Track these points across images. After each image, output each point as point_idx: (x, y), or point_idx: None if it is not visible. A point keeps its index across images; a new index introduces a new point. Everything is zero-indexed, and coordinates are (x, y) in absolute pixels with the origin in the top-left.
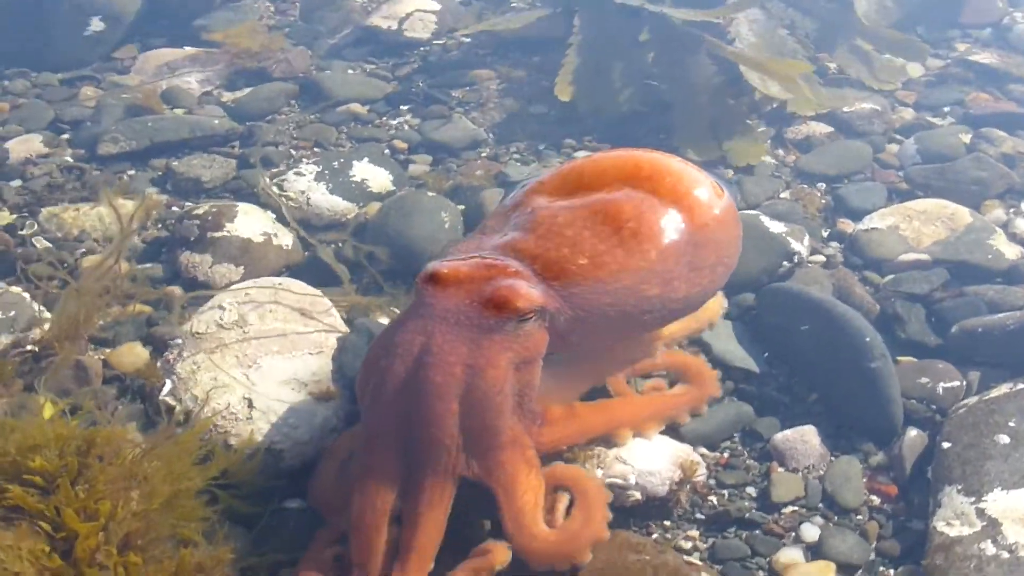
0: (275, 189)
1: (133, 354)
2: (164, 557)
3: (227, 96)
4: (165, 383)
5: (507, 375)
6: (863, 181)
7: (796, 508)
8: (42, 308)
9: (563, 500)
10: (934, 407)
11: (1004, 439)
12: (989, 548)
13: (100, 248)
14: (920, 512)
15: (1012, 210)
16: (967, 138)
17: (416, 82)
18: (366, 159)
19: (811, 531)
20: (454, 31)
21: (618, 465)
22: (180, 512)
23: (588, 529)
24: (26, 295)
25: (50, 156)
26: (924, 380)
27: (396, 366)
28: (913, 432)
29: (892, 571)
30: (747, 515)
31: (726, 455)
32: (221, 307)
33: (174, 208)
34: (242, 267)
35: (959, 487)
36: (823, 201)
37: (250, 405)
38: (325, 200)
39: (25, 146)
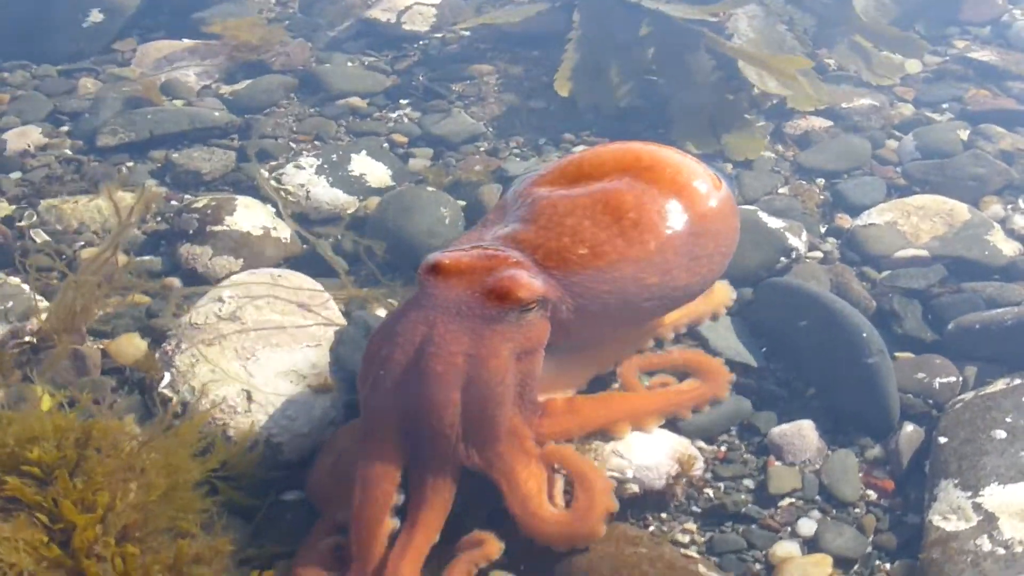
0: (274, 183)
1: (132, 345)
2: (162, 548)
3: (226, 89)
4: (164, 375)
5: (509, 365)
6: (862, 177)
7: (793, 501)
8: (40, 298)
9: (558, 483)
10: (931, 402)
11: (1001, 434)
12: (985, 543)
13: (99, 240)
14: (916, 506)
15: (1010, 206)
16: (966, 134)
17: (415, 76)
18: (365, 152)
19: (808, 525)
20: (453, 25)
21: (615, 459)
22: (178, 504)
23: (596, 504)
24: (25, 286)
25: (49, 148)
26: (921, 375)
27: (398, 356)
28: (910, 427)
29: (888, 565)
30: (744, 509)
31: (723, 449)
32: (220, 299)
33: (173, 202)
34: (241, 259)
35: (955, 482)
36: (821, 196)
37: (249, 398)
38: (325, 193)
39: (24, 138)
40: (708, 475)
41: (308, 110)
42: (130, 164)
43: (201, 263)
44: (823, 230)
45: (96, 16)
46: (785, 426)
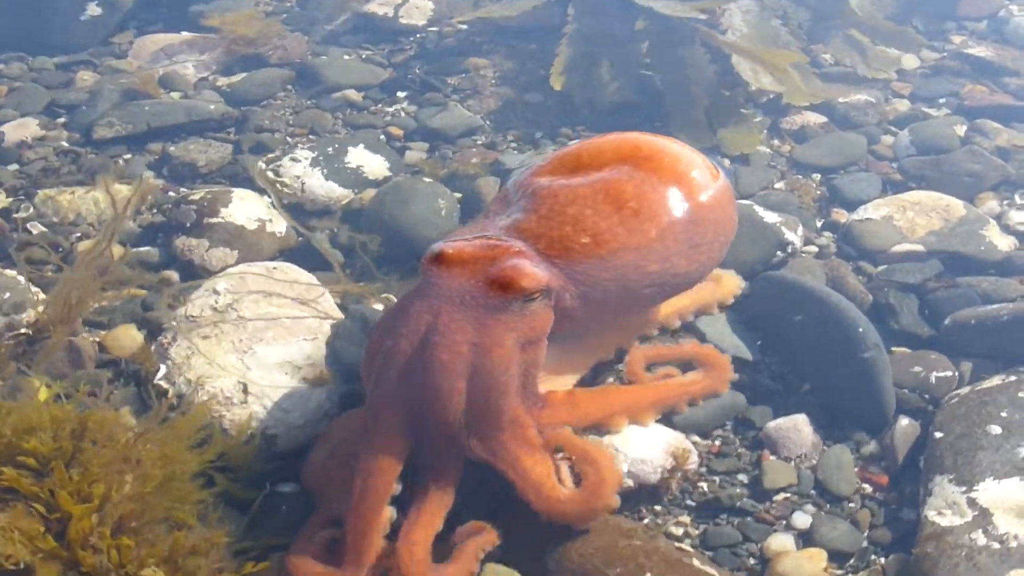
0: (270, 175)
1: (128, 337)
2: (157, 540)
3: (223, 81)
4: (160, 367)
5: (513, 355)
6: (858, 172)
7: (788, 496)
8: (37, 290)
9: (563, 466)
10: (926, 397)
11: (996, 429)
12: (980, 538)
13: (95, 232)
14: (912, 501)
15: (1006, 202)
16: (962, 130)
17: (412, 69)
18: (361, 145)
19: (803, 519)
20: (450, 18)
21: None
22: (174, 495)
23: (606, 478)
24: (20, 278)
25: (46, 140)
26: (917, 370)
27: (402, 346)
28: (905, 422)
29: (883, 559)
30: (738, 503)
31: (718, 443)
32: (215, 291)
33: (170, 193)
34: (236, 252)
35: (951, 477)
36: (818, 191)
37: (244, 390)
38: (320, 186)
39: (21, 130)
40: (703, 469)
41: (305, 103)
42: (127, 156)
43: (197, 255)
44: (819, 225)
45: (94, 9)
46: (780, 420)
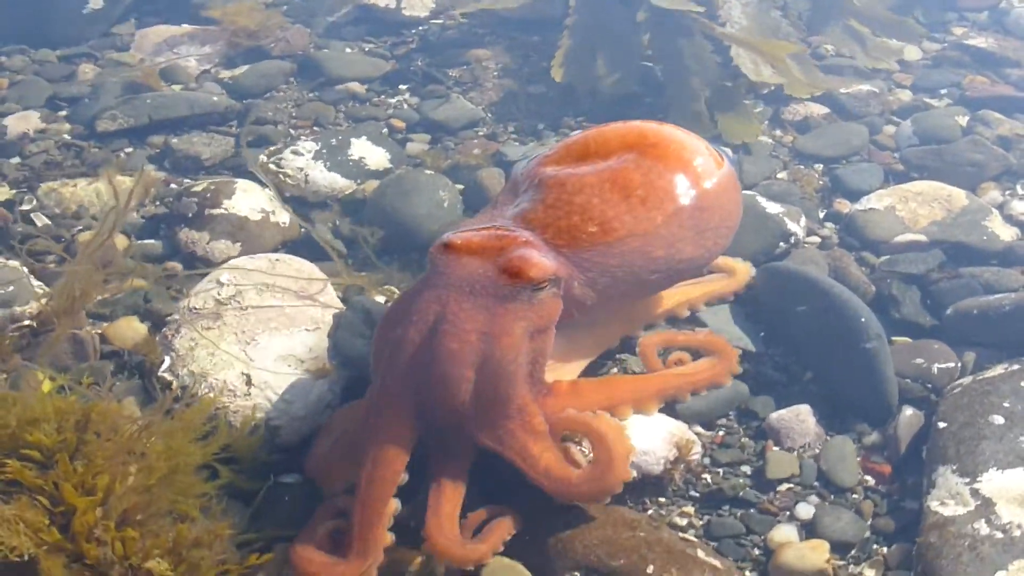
0: (272, 167)
1: (131, 329)
2: (162, 532)
3: (225, 74)
4: (164, 359)
5: (521, 343)
6: (860, 162)
7: (791, 486)
8: (40, 283)
9: (571, 449)
10: (929, 387)
11: (998, 419)
12: (983, 528)
13: (97, 224)
14: (914, 491)
15: (1008, 192)
16: (964, 120)
17: (414, 61)
18: (364, 137)
19: (806, 509)
20: (452, 10)
21: None
22: (178, 487)
23: (616, 453)
24: (24, 269)
25: (47, 133)
26: (919, 360)
27: (411, 335)
28: (908, 412)
29: (886, 549)
30: (742, 493)
31: (721, 433)
32: (219, 283)
33: (172, 185)
34: (239, 243)
35: (954, 467)
36: (820, 182)
37: (248, 381)
38: (323, 177)
39: (23, 122)
40: (706, 460)
41: (307, 95)
42: (129, 150)
43: (200, 247)
44: (822, 215)
45: (96, 2)
46: (783, 411)
